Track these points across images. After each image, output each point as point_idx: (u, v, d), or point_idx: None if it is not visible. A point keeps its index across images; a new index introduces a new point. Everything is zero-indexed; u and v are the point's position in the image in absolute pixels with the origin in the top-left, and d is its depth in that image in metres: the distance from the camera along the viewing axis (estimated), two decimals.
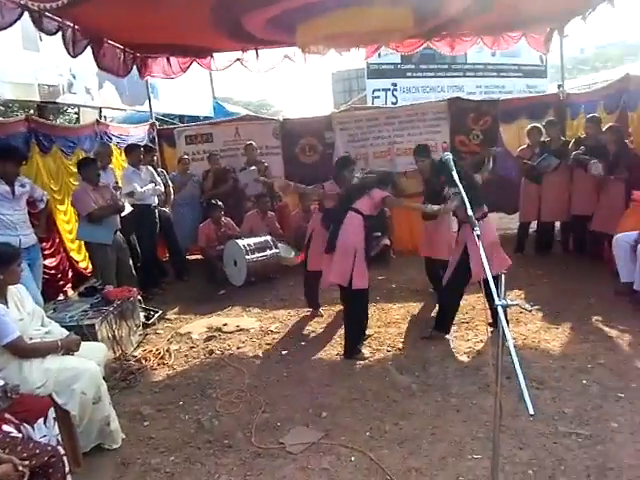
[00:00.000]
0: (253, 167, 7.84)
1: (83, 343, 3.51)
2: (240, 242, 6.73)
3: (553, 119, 7.39)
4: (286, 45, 7.43)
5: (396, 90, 14.41)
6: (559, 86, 8.58)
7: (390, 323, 5.24)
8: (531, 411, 1.79)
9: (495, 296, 2.17)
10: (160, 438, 3.49)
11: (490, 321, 4.67)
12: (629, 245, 5.15)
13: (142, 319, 5.43)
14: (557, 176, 6.76)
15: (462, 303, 4.97)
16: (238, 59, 7.86)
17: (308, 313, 5.65)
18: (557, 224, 7.33)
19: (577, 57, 36.38)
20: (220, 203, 7.24)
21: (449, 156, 3.16)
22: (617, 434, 3.14)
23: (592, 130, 6.49)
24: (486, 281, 2.28)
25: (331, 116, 8.73)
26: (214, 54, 7.97)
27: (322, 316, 5.54)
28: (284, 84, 78.08)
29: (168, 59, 7.89)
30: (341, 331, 5.03)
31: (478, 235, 2.49)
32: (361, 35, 6.25)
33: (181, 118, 13.02)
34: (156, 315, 5.72)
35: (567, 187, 6.78)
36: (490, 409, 3.04)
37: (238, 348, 4.88)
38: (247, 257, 6.59)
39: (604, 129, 6.32)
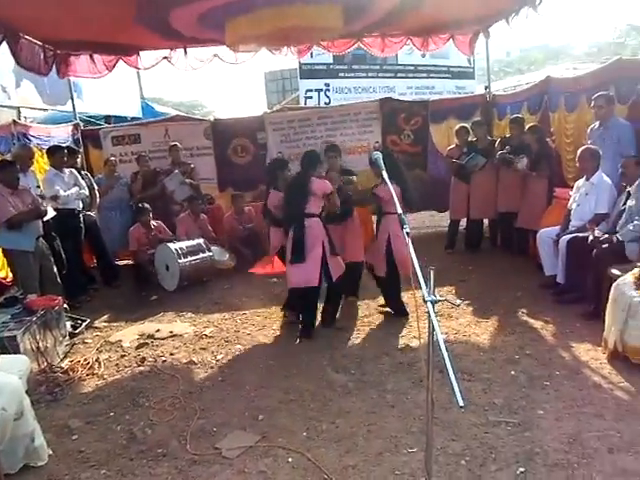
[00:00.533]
0: (176, 171, 7.69)
1: (3, 356, 3.32)
2: (172, 246, 6.60)
3: (480, 119, 7.64)
4: (216, 44, 7.30)
5: (329, 90, 14.50)
6: (486, 87, 8.89)
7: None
8: (461, 403, 1.81)
9: (424, 292, 2.19)
10: (90, 451, 3.34)
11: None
12: (552, 240, 5.40)
13: (69, 329, 5.20)
14: (484, 175, 6.98)
15: None
16: (165, 57, 7.66)
17: (242, 316, 5.59)
18: (486, 221, 7.57)
19: (503, 60, 37.83)
20: (147, 206, 7.07)
21: (378, 155, 3.18)
22: (543, 420, 3.26)
23: (516, 130, 6.75)
24: (416, 277, 2.30)
25: (263, 116, 8.70)
26: (141, 52, 7.72)
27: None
28: (217, 84, 77.19)
29: (92, 57, 7.56)
30: (276, 333, 5.07)
31: (408, 232, 2.51)
32: (291, 33, 6.23)
33: (107, 119, 12.59)
34: (84, 324, 5.49)
35: (494, 185, 7.01)
36: (424, 403, 3.08)
37: (171, 354, 4.76)
38: (179, 261, 6.47)
39: (526, 129, 6.58)
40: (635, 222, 4.63)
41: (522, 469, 2.82)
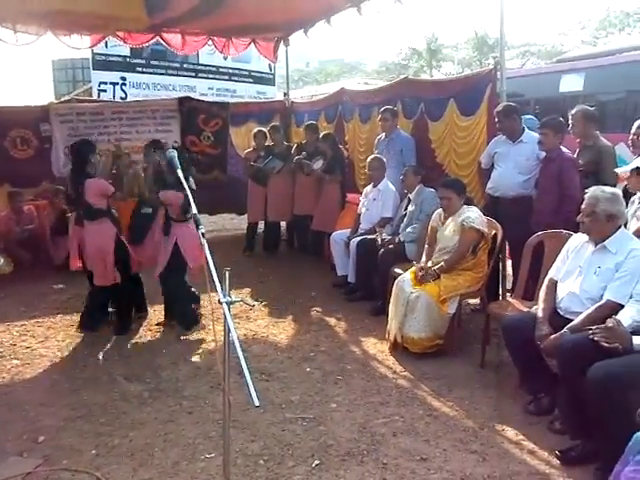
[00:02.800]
0: None
1: None
2: None
3: (277, 124, 7.84)
4: None
5: (125, 85, 13.72)
6: (285, 94, 9.19)
7: None
8: (256, 403, 1.80)
9: (220, 293, 2.16)
10: None
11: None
12: (343, 242, 5.76)
13: None
14: (281, 178, 7.17)
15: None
16: None
17: (21, 327, 5.01)
18: (283, 224, 7.79)
19: (303, 70, 39.75)
20: None
21: (173, 153, 3.05)
22: (336, 413, 3.43)
23: (310, 136, 7.06)
24: (211, 279, 2.25)
25: (48, 106, 7.88)
26: None
27: None
28: None
29: None
30: (60, 344, 4.66)
31: (203, 233, 2.44)
32: (83, 19, 5.75)
33: None
34: None
35: (290, 189, 7.22)
36: (222, 407, 3.05)
37: None
38: None
39: (320, 136, 6.92)
40: (414, 225, 5.15)
41: (317, 462, 2.93)
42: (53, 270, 6.39)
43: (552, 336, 3.01)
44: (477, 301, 4.94)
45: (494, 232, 4.35)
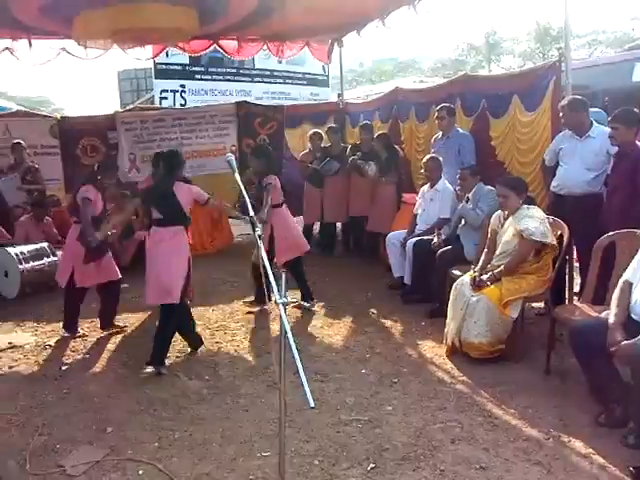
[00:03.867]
0: (15, 174, 7.08)
1: None
2: (12, 250, 6.04)
3: (335, 125, 7.84)
4: (62, 37, 6.75)
5: (185, 92, 14.12)
6: (339, 95, 9.17)
7: None
8: (311, 404, 1.81)
9: (276, 294, 2.17)
10: None
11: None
12: (399, 243, 5.66)
13: None
14: (337, 180, 7.16)
15: None
16: (7, 48, 6.91)
17: (91, 323, 5.18)
18: (339, 225, 7.76)
19: (356, 70, 39.68)
20: None
21: (231, 157, 3.09)
22: (392, 416, 3.36)
23: (365, 136, 7.01)
24: (268, 280, 2.26)
25: (115, 115, 8.22)
26: None
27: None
28: (66, 81, 71.91)
29: None
30: (127, 339, 4.85)
31: (260, 235, 2.48)
32: (144, 33, 5.97)
33: None
34: None
35: (346, 190, 7.20)
36: (278, 406, 3.06)
37: (10, 367, 4.34)
38: (20, 266, 5.95)
39: (375, 137, 6.84)
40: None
41: (372, 465, 2.88)
42: (120, 270, 6.61)
43: (625, 343, 2.82)
44: (541, 305, 4.74)
45: (559, 232, 4.15)
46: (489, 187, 4.95)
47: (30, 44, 6.92)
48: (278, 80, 15.07)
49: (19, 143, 7.24)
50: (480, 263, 4.29)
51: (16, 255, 6.01)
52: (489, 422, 3.25)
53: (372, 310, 5.32)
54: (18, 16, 5.80)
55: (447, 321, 4.24)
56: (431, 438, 3.10)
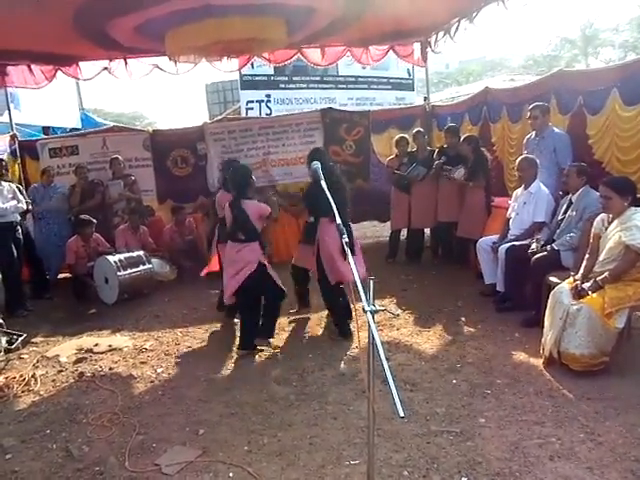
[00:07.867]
0: (119, 180, 7.61)
1: None
2: (111, 258, 6.46)
3: (421, 129, 7.69)
4: (156, 54, 7.18)
5: (270, 102, 14.42)
6: (425, 98, 9.01)
7: None
8: (401, 413, 1.77)
9: (364, 302, 2.14)
10: (25, 471, 3.18)
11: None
12: (490, 248, 5.46)
13: (4, 344, 5.01)
14: (425, 185, 7.01)
15: None
16: (105, 68, 7.51)
17: (183, 329, 5.43)
18: (427, 231, 7.62)
19: (442, 72, 38.90)
20: (90, 219, 6.88)
21: (317, 165, 3.12)
22: (485, 429, 3.25)
23: (450, 139, 6.84)
24: (355, 287, 2.24)
25: (203, 127, 8.54)
26: (80, 62, 7.52)
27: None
28: (158, 96, 76.05)
29: (29, 67, 7.34)
30: (217, 346, 4.95)
31: (347, 242, 2.45)
32: (232, 44, 6.16)
33: (46, 130, 12.08)
34: (20, 339, 5.24)
35: (434, 195, 7.03)
36: (366, 414, 3.04)
37: (110, 369, 4.60)
38: (119, 273, 6.34)
39: (462, 139, 6.65)
40: (572, 234, 4.69)
41: (464, 479, 2.80)
42: (209, 276, 6.85)
43: None
44: None
45: None
46: (596, 193, 4.61)
47: (126, 63, 7.46)
48: (362, 86, 15.04)
49: (117, 158, 7.78)
50: (582, 270, 4.05)
51: (115, 263, 6.39)
52: (592, 439, 3.06)
53: (463, 318, 5.16)
54: (115, 37, 6.16)
55: (544, 331, 4.04)
56: (527, 454, 2.96)
